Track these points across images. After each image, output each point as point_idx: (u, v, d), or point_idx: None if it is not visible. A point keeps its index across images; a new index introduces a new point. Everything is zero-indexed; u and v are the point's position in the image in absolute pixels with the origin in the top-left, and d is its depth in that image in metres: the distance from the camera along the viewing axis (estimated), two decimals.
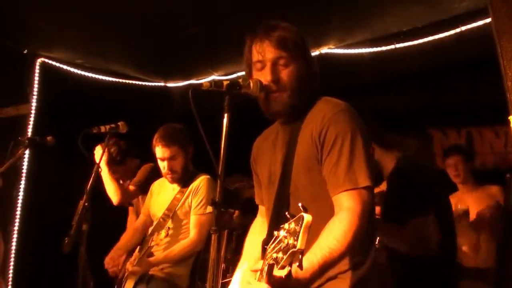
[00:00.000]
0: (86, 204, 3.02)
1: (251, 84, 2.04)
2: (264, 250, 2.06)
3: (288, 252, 1.42)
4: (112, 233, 4.14)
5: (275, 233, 1.51)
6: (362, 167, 1.91)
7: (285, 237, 1.45)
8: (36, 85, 5.41)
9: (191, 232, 3.59)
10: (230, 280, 2.30)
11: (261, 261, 1.70)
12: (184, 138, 3.63)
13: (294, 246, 1.40)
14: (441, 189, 3.33)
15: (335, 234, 1.77)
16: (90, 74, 5.86)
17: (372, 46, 4.59)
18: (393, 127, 3.58)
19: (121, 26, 4.68)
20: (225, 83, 1.99)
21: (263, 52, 2.06)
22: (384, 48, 4.53)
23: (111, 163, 4.21)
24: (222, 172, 1.89)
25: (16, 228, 5.23)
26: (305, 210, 1.43)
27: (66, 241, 2.90)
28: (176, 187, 3.73)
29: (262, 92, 2.05)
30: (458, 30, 4.08)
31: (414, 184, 3.06)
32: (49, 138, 3.68)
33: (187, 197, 3.64)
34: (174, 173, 3.63)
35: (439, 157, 5.06)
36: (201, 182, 3.66)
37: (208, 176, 3.70)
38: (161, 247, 3.61)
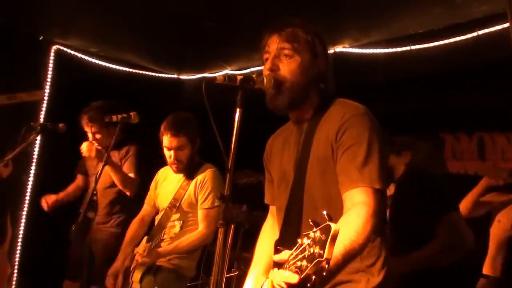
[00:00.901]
0: (94, 192, 3.04)
1: (265, 80, 2.03)
2: (276, 250, 2.07)
3: (314, 261, 1.40)
4: None
5: (299, 240, 1.49)
6: (376, 170, 1.90)
7: (310, 245, 1.43)
8: (50, 72, 5.44)
9: (200, 225, 3.59)
10: (235, 275, 2.31)
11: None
12: (192, 129, 3.62)
13: (321, 256, 1.38)
14: (450, 195, 3.31)
15: (354, 226, 1.75)
16: (104, 63, 5.88)
17: (387, 47, 4.56)
18: (404, 129, 3.57)
19: (137, 16, 4.68)
20: (238, 77, 1.98)
21: (270, 43, 2.09)
22: (399, 49, 4.49)
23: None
24: (231, 167, 1.89)
25: (24, 213, 5.26)
26: (330, 219, 1.41)
27: (73, 228, 2.92)
28: (181, 178, 3.73)
29: (274, 88, 2.05)
30: (475, 34, 4.04)
31: (422, 189, 3.05)
32: (60, 125, 3.70)
33: (192, 190, 3.64)
34: (179, 163, 3.62)
35: (449, 161, 5.03)
36: (206, 175, 3.65)
37: (213, 168, 3.69)
38: (167, 242, 3.62)
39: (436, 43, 4.25)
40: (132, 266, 3.64)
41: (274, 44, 2.07)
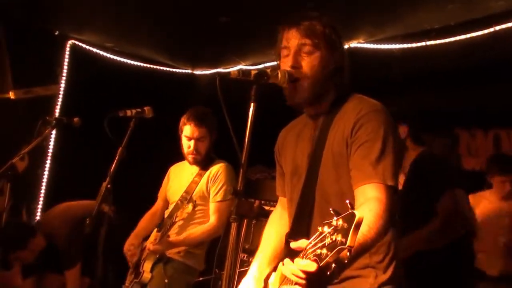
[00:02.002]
0: (108, 186, 3.06)
1: (279, 75, 2.03)
2: (287, 244, 2.06)
3: (336, 249, 1.39)
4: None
5: (319, 228, 1.47)
6: (390, 167, 1.89)
7: (331, 233, 1.42)
8: (65, 67, 5.49)
9: (211, 218, 3.62)
10: (247, 270, 2.31)
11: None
12: (212, 123, 3.67)
13: (343, 243, 1.37)
14: (457, 173, 3.30)
15: (367, 220, 1.72)
16: (119, 58, 5.91)
17: (402, 42, 4.53)
18: (419, 125, 3.54)
19: (152, 12, 4.70)
20: (253, 72, 1.98)
21: (289, 39, 2.07)
22: (414, 44, 4.46)
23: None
24: (245, 162, 1.89)
25: (39, 206, 5.32)
26: (353, 208, 1.40)
27: (88, 222, 2.94)
28: (194, 171, 3.76)
29: (289, 83, 2.04)
30: (491, 29, 4.00)
31: (430, 169, 3.04)
32: (76, 119, 3.72)
33: (205, 182, 3.68)
34: (197, 154, 3.67)
35: (465, 158, 4.99)
36: (219, 169, 3.70)
37: (226, 163, 3.74)
38: (175, 231, 3.64)
39: (452, 39, 4.21)
40: (142, 257, 3.66)
41: (294, 39, 2.05)
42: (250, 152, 1.92)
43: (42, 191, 5.37)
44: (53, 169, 5.37)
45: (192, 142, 3.64)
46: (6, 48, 5.01)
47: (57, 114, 5.36)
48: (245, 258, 4.37)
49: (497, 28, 3.96)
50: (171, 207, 3.78)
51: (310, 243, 1.53)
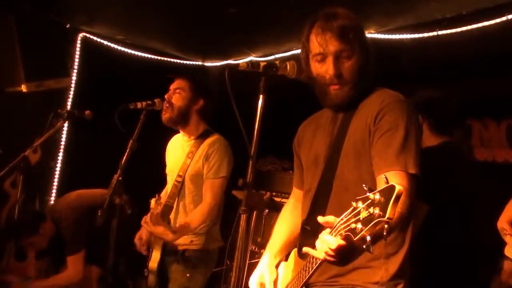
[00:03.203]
0: (120, 178, 3.07)
1: (288, 67, 2.03)
2: (304, 231, 2.08)
3: (373, 222, 1.40)
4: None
5: (353, 204, 1.49)
6: (413, 155, 1.90)
7: (367, 207, 1.43)
8: (77, 59, 5.52)
9: (206, 195, 3.47)
10: (258, 261, 2.33)
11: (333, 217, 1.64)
12: (199, 83, 3.60)
13: (381, 216, 1.38)
14: (472, 184, 3.25)
15: None
16: (129, 50, 5.93)
17: (413, 32, 4.49)
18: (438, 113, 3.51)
19: (162, 4, 4.70)
20: (261, 64, 1.99)
21: (325, 44, 2.01)
22: (426, 34, 4.41)
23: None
24: (254, 153, 1.90)
25: (52, 198, 5.37)
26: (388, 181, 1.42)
27: (99, 214, 2.95)
28: (186, 148, 3.65)
29: (322, 86, 2.05)
30: (504, 18, 3.94)
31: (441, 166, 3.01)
32: (87, 112, 3.74)
33: (196, 161, 3.54)
34: (169, 106, 3.53)
35: (477, 149, 4.96)
36: (211, 145, 3.54)
37: (218, 137, 3.60)
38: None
39: (464, 28, 4.16)
40: (152, 244, 3.60)
41: (331, 46, 2.01)
42: (261, 143, 1.93)
43: (55, 183, 5.42)
44: (66, 161, 5.41)
45: (170, 93, 3.56)
46: (18, 42, 5.04)
47: (69, 107, 5.40)
48: (255, 249, 4.37)
49: (510, 17, 3.91)
50: (168, 186, 3.68)
51: (342, 219, 1.54)
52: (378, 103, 1.99)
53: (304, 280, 1.93)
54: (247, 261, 3.87)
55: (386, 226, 1.39)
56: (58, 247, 4.15)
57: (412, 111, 2.00)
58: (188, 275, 3.47)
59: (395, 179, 1.80)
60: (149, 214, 3.35)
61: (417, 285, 2.10)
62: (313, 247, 1.75)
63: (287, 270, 2.19)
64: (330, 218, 1.61)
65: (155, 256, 3.52)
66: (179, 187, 3.57)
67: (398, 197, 1.37)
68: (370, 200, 1.43)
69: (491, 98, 4.53)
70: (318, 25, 2.04)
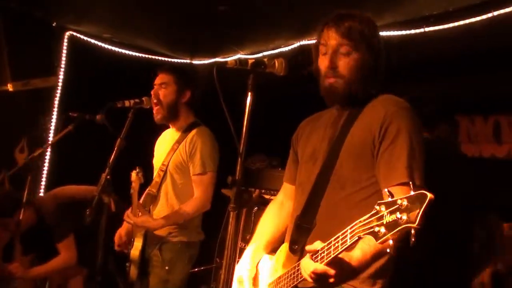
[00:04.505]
0: (108, 177, 3.06)
1: (276, 64, 2.03)
2: (298, 226, 2.08)
3: (399, 227, 1.42)
4: None
5: (376, 207, 1.51)
6: (419, 166, 1.93)
7: (391, 212, 1.45)
8: (64, 58, 5.49)
9: (196, 192, 3.47)
10: None
11: (320, 242, 1.74)
12: (185, 76, 3.59)
13: (408, 222, 1.40)
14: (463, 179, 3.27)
15: None
16: (117, 49, 5.90)
17: (401, 29, 4.50)
18: (418, 112, 3.53)
19: (150, 1, 4.68)
20: (250, 61, 1.99)
21: (328, 38, 2.07)
22: (413, 31, 4.43)
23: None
24: (243, 151, 1.90)
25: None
26: (391, 196, 1.46)
27: (88, 212, 2.95)
28: (174, 136, 3.65)
29: (320, 79, 2.10)
30: (490, 15, 3.97)
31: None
32: (98, 116, 3.74)
33: (181, 151, 3.54)
34: (158, 104, 3.54)
35: (465, 144, 4.99)
36: (193, 138, 3.52)
37: (201, 128, 3.59)
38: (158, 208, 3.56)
39: (451, 25, 4.18)
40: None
41: (332, 39, 2.06)
42: (250, 141, 1.93)
43: (43, 183, 5.39)
44: (53, 160, 5.38)
45: (156, 89, 3.56)
46: (4, 40, 5.00)
47: (56, 106, 5.37)
48: (245, 247, 4.37)
49: (496, 13, 3.94)
50: (154, 175, 3.67)
51: (361, 221, 1.57)
52: (384, 111, 2.00)
53: (295, 283, 1.94)
54: (237, 259, 3.87)
55: (413, 232, 1.40)
56: (44, 242, 4.14)
57: (416, 119, 2.01)
58: (167, 267, 3.47)
59: (407, 192, 1.83)
60: (129, 209, 3.38)
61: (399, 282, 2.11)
62: (305, 244, 1.77)
63: (276, 265, 2.19)
64: (316, 246, 1.71)
65: (137, 245, 3.50)
66: (162, 175, 3.57)
67: (430, 205, 1.38)
68: (396, 206, 1.45)
69: (478, 94, 4.56)
70: (329, 22, 2.10)
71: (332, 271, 1.69)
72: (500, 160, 4.71)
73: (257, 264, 2.28)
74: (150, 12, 4.99)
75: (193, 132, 3.56)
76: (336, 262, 1.69)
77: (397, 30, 4.50)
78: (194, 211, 3.45)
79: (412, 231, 1.40)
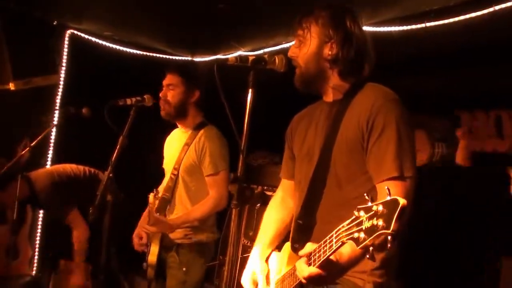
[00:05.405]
0: (110, 175, 3.07)
1: (277, 60, 2.04)
2: (298, 226, 2.10)
3: (376, 233, 1.43)
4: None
5: (355, 213, 1.53)
6: (409, 156, 1.93)
7: (370, 218, 1.47)
8: (65, 56, 5.48)
9: (210, 191, 3.51)
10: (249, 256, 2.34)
11: (311, 244, 1.78)
12: (192, 75, 3.61)
13: (384, 228, 1.41)
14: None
15: None
16: (118, 47, 5.89)
17: (401, 25, 4.49)
18: (420, 108, 3.54)
19: None
20: (250, 58, 2.00)
21: (295, 28, 2.16)
22: (413, 26, 4.42)
23: None
24: (244, 148, 1.90)
25: None
26: (390, 193, 1.45)
27: (91, 211, 2.96)
28: (183, 137, 3.67)
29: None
30: (491, 9, 3.96)
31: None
32: (84, 109, 3.78)
33: (192, 153, 3.56)
34: (166, 103, 3.59)
35: (467, 139, 4.98)
36: (202, 136, 3.56)
37: (208, 128, 3.62)
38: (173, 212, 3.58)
39: (452, 20, 4.17)
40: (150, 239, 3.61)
41: (294, 30, 2.14)
42: (251, 137, 1.93)
43: None
44: (56, 159, 5.38)
45: (164, 90, 3.59)
46: (5, 40, 5.01)
47: (57, 104, 5.37)
48: (248, 244, 4.38)
49: (497, 7, 3.92)
50: (165, 180, 3.70)
51: (344, 226, 1.59)
52: (371, 103, 2.00)
53: (298, 281, 1.96)
54: (240, 256, 3.88)
55: (389, 238, 1.42)
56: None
57: (403, 110, 2.01)
58: (184, 269, 3.50)
59: (395, 189, 1.84)
60: (144, 218, 3.44)
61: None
62: (305, 242, 1.79)
63: (281, 263, 2.21)
64: (308, 248, 1.77)
65: (154, 250, 3.53)
66: (174, 179, 3.59)
67: (402, 212, 1.40)
68: (373, 212, 1.46)
69: (480, 89, 4.55)
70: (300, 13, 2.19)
71: (324, 273, 1.74)
72: (502, 154, 4.71)
73: (267, 260, 2.30)
74: (151, 10, 4.98)
75: (201, 132, 3.59)
76: (326, 265, 1.73)
77: (397, 26, 4.49)
78: (210, 210, 3.50)
79: (389, 238, 1.41)
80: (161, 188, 3.69)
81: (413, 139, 1.99)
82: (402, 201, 1.40)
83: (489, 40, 4.20)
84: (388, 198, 1.43)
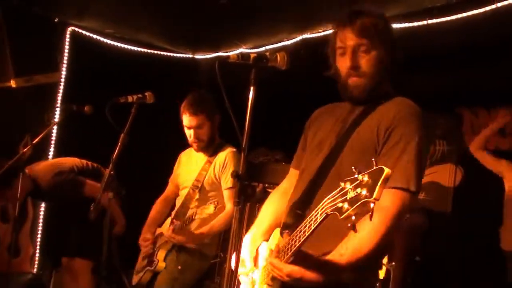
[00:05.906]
0: (112, 172, 3.07)
1: (278, 58, 2.03)
2: (291, 212, 2.10)
3: (359, 202, 1.45)
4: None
5: (341, 184, 1.55)
6: (418, 173, 1.96)
7: (354, 188, 1.49)
8: (66, 54, 5.49)
9: (227, 205, 3.62)
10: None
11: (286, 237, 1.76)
12: (211, 107, 3.63)
13: (367, 196, 1.43)
14: None
15: (361, 234, 1.82)
16: (119, 44, 5.90)
17: (403, 22, 4.48)
18: (421, 105, 3.52)
19: None
20: (252, 56, 1.99)
21: (345, 39, 2.10)
22: (416, 23, 4.41)
23: None
24: (246, 145, 1.90)
25: None
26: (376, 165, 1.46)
27: (92, 208, 2.96)
28: (203, 158, 3.75)
29: (342, 79, 2.13)
30: (493, 6, 3.95)
31: None
32: (86, 107, 3.77)
33: (212, 170, 3.67)
34: (200, 142, 3.66)
35: (469, 136, 4.98)
36: (227, 156, 3.67)
37: (233, 149, 3.71)
38: (195, 226, 3.63)
39: (454, 17, 4.16)
40: (156, 245, 3.68)
41: (349, 40, 2.09)
42: (253, 135, 1.93)
43: None
44: (57, 156, 5.38)
45: (192, 131, 3.62)
46: (7, 37, 5.01)
47: (59, 102, 5.37)
48: None
49: (499, 4, 3.92)
50: (182, 194, 3.77)
51: (329, 198, 1.61)
52: (394, 112, 2.03)
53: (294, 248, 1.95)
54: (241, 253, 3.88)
55: (372, 206, 1.44)
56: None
57: (424, 127, 2.03)
58: (180, 267, 3.57)
59: (386, 201, 1.87)
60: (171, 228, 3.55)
61: None
62: (295, 229, 1.86)
63: (270, 248, 2.21)
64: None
65: (161, 256, 3.62)
66: (197, 191, 3.68)
67: (386, 179, 1.42)
68: (358, 181, 1.48)
69: (482, 86, 4.55)
70: (342, 21, 2.13)
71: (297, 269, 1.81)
72: (504, 152, 4.71)
73: (257, 248, 2.30)
74: (152, 7, 4.98)
75: (224, 153, 3.69)
76: (300, 257, 1.80)
77: (399, 23, 4.48)
78: (227, 223, 3.57)
79: (371, 205, 1.43)
80: (178, 200, 3.80)
81: (425, 157, 2.02)
82: (387, 170, 1.42)
83: (491, 37, 4.19)
84: (374, 168, 1.45)
